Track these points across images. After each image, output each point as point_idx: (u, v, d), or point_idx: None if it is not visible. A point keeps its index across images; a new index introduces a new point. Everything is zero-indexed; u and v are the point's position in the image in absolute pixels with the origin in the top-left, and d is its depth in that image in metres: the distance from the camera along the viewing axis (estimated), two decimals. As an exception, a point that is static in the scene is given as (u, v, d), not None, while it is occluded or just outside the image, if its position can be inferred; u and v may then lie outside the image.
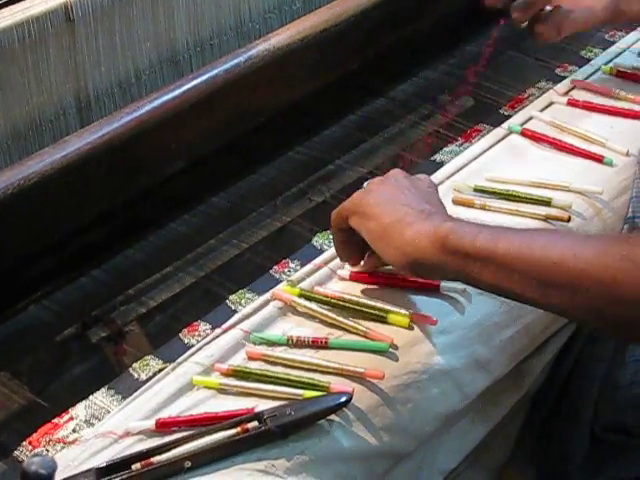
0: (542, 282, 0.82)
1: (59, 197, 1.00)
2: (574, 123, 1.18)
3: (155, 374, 0.91)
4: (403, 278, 0.96)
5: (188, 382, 0.88)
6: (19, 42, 1.00)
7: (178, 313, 1.02)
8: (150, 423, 0.84)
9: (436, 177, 1.11)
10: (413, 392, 0.90)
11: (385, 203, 0.91)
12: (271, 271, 1.03)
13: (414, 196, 0.92)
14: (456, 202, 1.08)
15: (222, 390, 0.88)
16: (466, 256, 0.85)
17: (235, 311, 0.98)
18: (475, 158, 1.15)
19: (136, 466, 0.80)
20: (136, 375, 0.92)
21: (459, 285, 0.95)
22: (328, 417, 0.85)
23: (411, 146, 1.25)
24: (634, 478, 1.09)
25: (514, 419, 1.10)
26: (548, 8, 1.24)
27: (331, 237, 1.06)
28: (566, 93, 1.25)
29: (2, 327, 0.99)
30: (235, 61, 1.12)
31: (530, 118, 1.21)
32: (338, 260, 0.99)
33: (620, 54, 1.32)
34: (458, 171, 1.13)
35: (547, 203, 1.07)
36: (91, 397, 0.90)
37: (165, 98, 1.07)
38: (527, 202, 1.07)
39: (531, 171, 1.12)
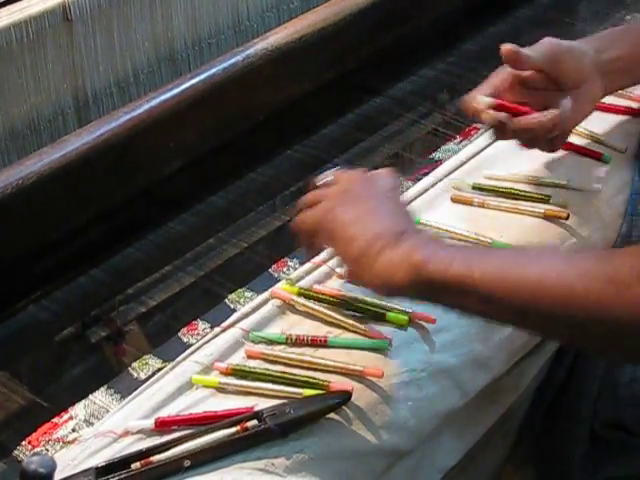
0: (521, 308, 0.80)
1: (58, 197, 1.00)
2: (572, 121, 1.18)
3: (154, 373, 0.91)
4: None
5: (187, 381, 0.88)
6: (17, 42, 1.00)
7: (177, 312, 1.02)
8: (149, 422, 0.84)
9: (435, 175, 1.11)
10: (412, 390, 0.90)
11: (351, 224, 0.87)
12: (270, 270, 1.03)
13: (381, 211, 0.89)
14: (455, 200, 1.08)
15: (221, 389, 0.87)
16: (442, 285, 0.82)
17: (234, 310, 0.98)
18: (473, 156, 1.15)
19: (135, 465, 0.80)
20: (135, 374, 0.92)
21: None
22: (327, 415, 0.85)
23: (410, 144, 1.25)
24: (634, 476, 1.09)
25: (513, 417, 1.10)
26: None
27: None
28: (564, 91, 1.24)
29: (1, 327, 0.99)
30: (233, 60, 1.12)
31: (529, 116, 1.20)
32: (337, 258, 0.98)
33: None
34: (457, 169, 1.13)
35: (546, 200, 1.07)
36: (90, 396, 0.90)
37: (163, 97, 1.07)
38: (526, 200, 1.07)
39: (530, 169, 1.12)
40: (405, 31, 1.32)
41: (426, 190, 1.10)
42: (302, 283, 0.97)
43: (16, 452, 0.85)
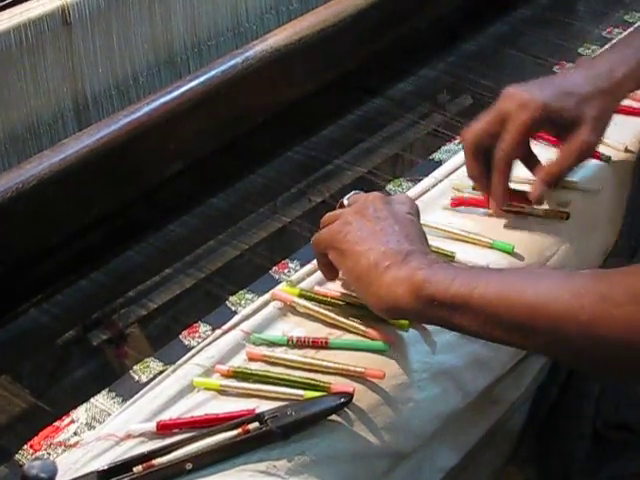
0: (520, 327, 0.81)
1: (58, 200, 1.00)
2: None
3: (156, 376, 0.91)
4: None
5: (189, 384, 0.88)
6: (16, 45, 1.00)
7: (178, 315, 1.02)
8: (151, 425, 0.84)
9: (435, 176, 1.11)
10: (414, 391, 0.90)
11: (362, 242, 0.89)
12: (271, 272, 1.03)
13: (393, 232, 0.90)
14: (456, 199, 1.08)
15: (223, 391, 0.87)
16: (442, 305, 0.83)
17: (235, 312, 0.98)
18: (474, 156, 1.14)
19: (137, 468, 0.80)
20: (137, 377, 0.92)
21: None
22: (329, 417, 0.85)
23: (410, 145, 1.25)
24: (636, 475, 1.09)
25: (515, 416, 1.10)
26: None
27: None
28: (564, 90, 1.24)
29: (3, 330, 0.99)
30: (232, 62, 1.12)
31: (528, 116, 1.20)
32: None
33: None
34: (457, 170, 1.12)
35: (544, 207, 1.07)
36: (92, 400, 0.90)
37: (163, 100, 1.07)
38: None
39: (530, 169, 1.11)
40: (405, 32, 1.31)
41: (426, 191, 1.10)
42: (303, 285, 0.97)
43: (17, 456, 0.85)
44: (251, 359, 0.90)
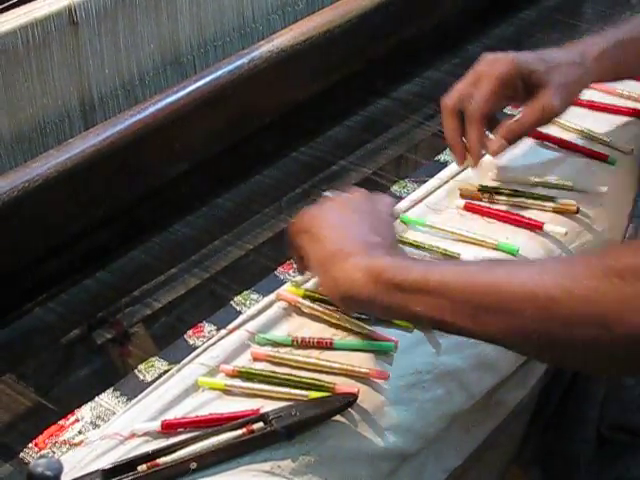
0: (473, 307, 0.80)
1: (64, 199, 1.01)
2: (578, 122, 1.18)
3: (160, 375, 0.91)
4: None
5: (193, 383, 0.88)
6: (23, 45, 1.00)
7: (183, 314, 1.02)
8: (156, 424, 0.84)
9: (440, 177, 1.11)
10: (418, 392, 0.90)
11: (334, 228, 0.89)
12: (276, 272, 1.03)
13: (366, 225, 0.90)
14: (464, 195, 1.08)
15: (227, 391, 0.87)
16: (399, 289, 0.82)
17: (240, 312, 0.98)
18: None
19: (142, 467, 0.80)
20: (141, 376, 0.92)
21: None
22: (333, 418, 0.85)
23: (415, 146, 1.25)
24: (640, 477, 1.09)
25: (519, 418, 1.10)
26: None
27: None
28: (570, 92, 1.24)
29: (8, 329, 1.00)
30: (239, 62, 1.12)
31: (534, 118, 1.20)
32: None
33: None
34: (462, 171, 1.13)
35: (552, 202, 1.07)
36: (97, 399, 0.90)
37: (169, 100, 1.07)
38: (533, 199, 1.07)
39: (535, 170, 1.11)
40: (410, 33, 1.32)
41: (432, 192, 1.10)
42: (308, 285, 0.97)
43: (23, 454, 0.85)
44: (256, 359, 0.90)
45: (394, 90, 1.28)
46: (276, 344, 0.92)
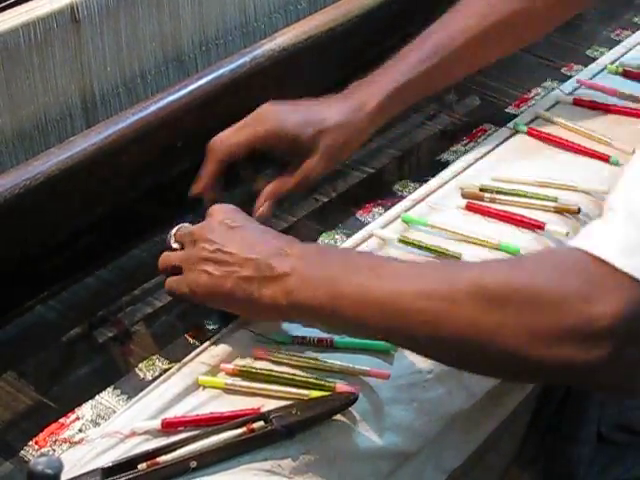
0: (376, 328, 0.83)
1: (65, 197, 1.00)
2: (580, 122, 1.18)
3: (161, 374, 0.91)
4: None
5: (194, 382, 0.88)
6: (25, 43, 1.00)
7: (184, 313, 1.02)
8: (156, 423, 0.84)
9: (442, 177, 1.11)
10: (418, 392, 0.90)
11: (224, 282, 0.89)
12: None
13: (237, 250, 0.90)
14: (465, 196, 1.08)
15: (228, 390, 0.88)
16: (312, 311, 0.85)
17: (241, 311, 0.98)
18: (481, 158, 1.15)
19: (142, 466, 0.80)
20: (142, 375, 0.92)
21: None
22: (334, 417, 0.85)
23: (417, 146, 1.24)
24: (640, 478, 1.09)
25: (520, 418, 1.10)
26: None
27: (335, 237, 1.06)
28: (572, 92, 1.25)
29: (8, 327, 1.00)
30: (240, 61, 1.12)
31: (536, 117, 1.21)
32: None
33: (626, 53, 1.32)
34: (464, 171, 1.13)
35: (553, 202, 1.07)
36: (97, 397, 0.90)
37: (171, 98, 1.07)
38: (534, 200, 1.07)
39: (537, 170, 1.11)
40: (412, 31, 1.31)
41: (433, 192, 1.10)
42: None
43: (23, 452, 0.85)
44: (257, 358, 0.90)
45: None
46: (277, 343, 0.92)
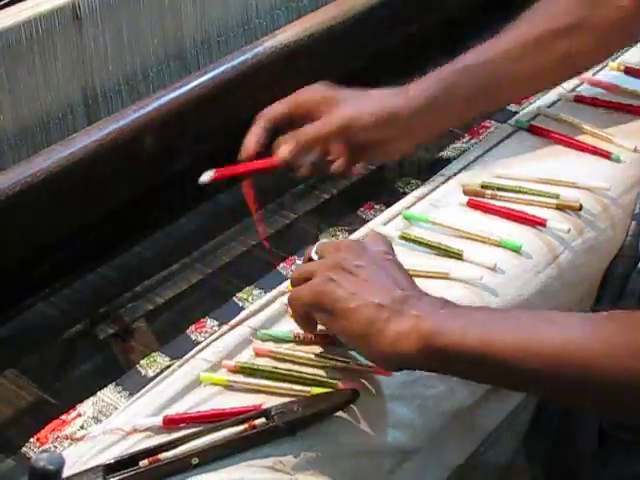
0: (542, 378, 0.80)
1: (67, 194, 1.00)
2: (582, 119, 1.18)
3: (162, 371, 0.91)
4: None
5: (195, 379, 0.88)
6: (27, 40, 1.00)
7: (185, 310, 1.02)
8: (158, 420, 0.84)
9: (443, 174, 1.11)
10: (420, 389, 0.90)
11: (352, 298, 0.83)
12: (278, 268, 1.03)
13: (380, 280, 0.85)
14: (467, 192, 1.08)
15: (229, 387, 0.88)
16: (457, 356, 0.80)
17: (242, 308, 0.98)
18: (482, 155, 1.15)
19: (144, 462, 0.80)
20: (143, 372, 0.93)
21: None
22: (336, 414, 0.85)
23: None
24: (642, 475, 1.09)
25: (521, 415, 1.10)
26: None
27: (337, 233, 1.06)
28: (573, 89, 1.24)
29: (10, 324, 1.00)
30: (242, 58, 1.12)
31: (537, 114, 1.20)
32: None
33: (628, 50, 1.32)
34: (465, 168, 1.13)
35: (555, 199, 1.07)
36: (99, 394, 0.90)
37: (172, 95, 1.07)
38: (535, 197, 1.07)
39: (539, 167, 1.11)
40: (413, 29, 1.31)
41: (435, 189, 1.10)
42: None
43: (24, 449, 0.85)
44: (258, 355, 0.90)
45: (398, 86, 1.27)
46: (278, 340, 0.92)
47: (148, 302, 1.03)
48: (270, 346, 0.91)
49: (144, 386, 0.89)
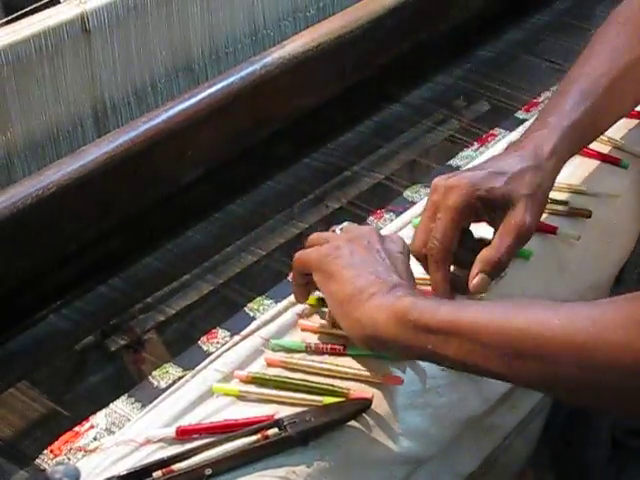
0: (507, 353, 0.78)
1: (77, 206, 1.01)
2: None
3: (175, 382, 0.91)
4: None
5: (208, 389, 0.88)
6: (36, 53, 1.01)
7: (196, 321, 1.02)
8: (170, 430, 0.84)
9: (452, 182, 1.11)
10: (432, 397, 0.90)
11: (352, 267, 0.87)
12: (289, 278, 1.03)
13: (383, 263, 0.88)
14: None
15: (242, 397, 0.88)
16: (426, 330, 0.81)
17: (253, 318, 0.98)
18: (491, 163, 1.14)
19: (157, 474, 0.80)
20: (155, 383, 0.93)
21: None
22: (348, 423, 0.85)
23: (427, 151, 1.25)
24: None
25: (533, 422, 1.10)
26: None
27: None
28: (581, 96, 1.24)
29: (22, 336, 1.00)
30: (250, 69, 1.12)
31: (546, 122, 1.20)
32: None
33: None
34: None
35: (565, 206, 1.07)
36: (111, 405, 0.90)
37: (181, 106, 1.07)
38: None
39: (547, 175, 1.11)
40: (421, 38, 1.32)
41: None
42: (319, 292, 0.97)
43: (38, 461, 0.85)
44: (270, 365, 0.90)
45: (405, 95, 1.28)
46: (290, 350, 0.92)
47: (159, 313, 1.03)
48: (282, 356, 0.91)
49: (156, 397, 0.89)
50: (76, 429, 0.87)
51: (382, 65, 1.27)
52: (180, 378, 0.91)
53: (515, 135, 1.19)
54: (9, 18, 1.02)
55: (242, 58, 1.19)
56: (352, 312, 0.85)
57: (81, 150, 1.02)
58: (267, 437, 0.82)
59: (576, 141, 1.03)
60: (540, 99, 1.28)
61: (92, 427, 0.88)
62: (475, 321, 0.80)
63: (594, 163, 1.14)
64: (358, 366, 0.89)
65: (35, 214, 0.96)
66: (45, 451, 0.86)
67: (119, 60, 1.08)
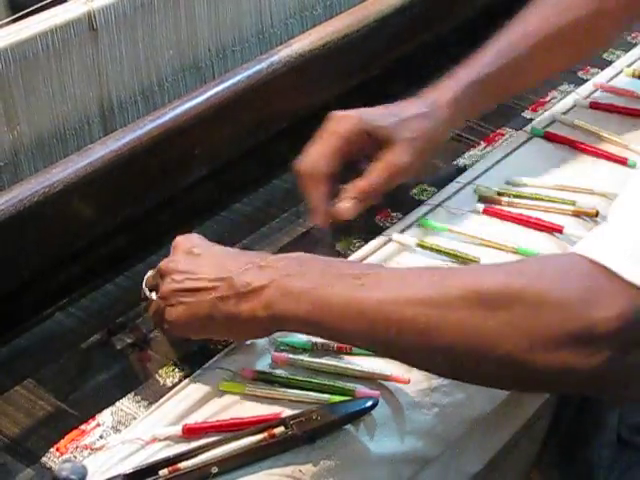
0: (368, 339, 0.82)
1: (84, 205, 1.01)
2: (597, 125, 1.18)
3: (181, 380, 0.91)
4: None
5: (214, 388, 0.88)
6: (43, 51, 1.00)
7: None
8: (177, 429, 0.84)
9: (459, 182, 1.11)
10: (439, 396, 0.90)
11: (195, 307, 0.88)
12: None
13: (206, 272, 0.89)
14: (483, 200, 1.08)
15: (248, 396, 0.88)
16: (296, 323, 0.84)
17: (260, 317, 0.98)
18: (498, 162, 1.15)
19: (163, 472, 0.81)
20: (162, 381, 0.93)
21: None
22: (354, 422, 0.85)
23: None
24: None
25: (540, 421, 1.10)
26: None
27: (353, 242, 1.06)
28: (588, 96, 1.24)
29: (28, 334, 1.00)
30: (257, 67, 1.12)
31: (553, 121, 1.20)
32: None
33: (642, 56, 1.32)
34: (481, 175, 1.13)
35: (571, 205, 1.07)
36: (117, 403, 0.90)
37: (188, 105, 1.07)
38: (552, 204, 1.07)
39: (555, 174, 1.11)
40: (428, 37, 1.31)
41: (450, 196, 1.10)
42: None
43: (44, 459, 0.85)
44: (276, 363, 0.90)
45: (413, 94, 1.27)
46: (296, 348, 0.92)
47: (165, 311, 1.03)
48: (288, 355, 0.91)
49: (163, 395, 0.89)
50: (82, 427, 0.87)
51: (389, 64, 1.27)
52: (186, 376, 0.91)
53: (521, 134, 1.19)
54: (16, 16, 1.02)
55: (249, 57, 1.19)
56: (238, 332, 0.89)
57: (88, 148, 1.02)
58: (273, 436, 0.82)
59: (486, 95, 1.09)
60: (547, 98, 1.28)
61: (98, 425, 0.88)
62: (333, 311, 0.81)
63: (601, 163, 1.14)
64: (364, 365, 0.89)
65: (42, 212, 0.96)
66: (51, 449, 0.86)
67: (126, 58, 1.08)
